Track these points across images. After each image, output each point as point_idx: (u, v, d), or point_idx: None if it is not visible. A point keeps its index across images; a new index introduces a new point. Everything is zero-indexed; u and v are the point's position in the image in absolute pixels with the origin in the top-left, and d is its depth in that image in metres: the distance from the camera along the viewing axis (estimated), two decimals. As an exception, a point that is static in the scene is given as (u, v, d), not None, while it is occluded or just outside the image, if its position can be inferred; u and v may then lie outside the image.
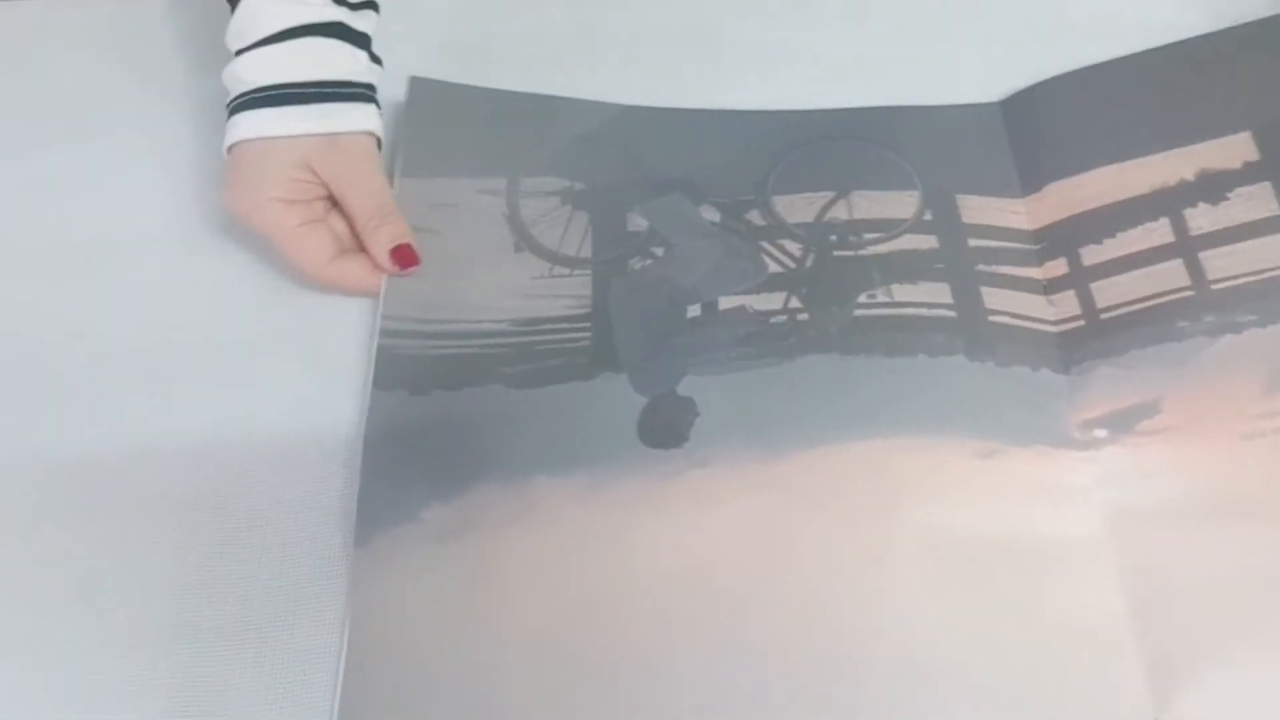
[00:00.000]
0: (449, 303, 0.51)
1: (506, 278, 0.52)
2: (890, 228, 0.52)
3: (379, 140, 0.53)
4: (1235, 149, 0.51)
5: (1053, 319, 0.49)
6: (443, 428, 0.48)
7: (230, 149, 0.50)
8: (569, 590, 0.43)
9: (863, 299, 0.50)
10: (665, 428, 0.47)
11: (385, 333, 0.50)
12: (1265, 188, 0.50)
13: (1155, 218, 0.50)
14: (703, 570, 0.43)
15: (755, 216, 0.53)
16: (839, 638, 0.41)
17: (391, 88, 0.56)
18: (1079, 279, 0.50)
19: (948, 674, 0.40)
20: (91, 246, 0.54)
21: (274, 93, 0.50)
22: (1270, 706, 0.39)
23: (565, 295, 0.51)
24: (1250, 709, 0.39)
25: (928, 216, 0.52)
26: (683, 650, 0.42)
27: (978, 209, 0.52)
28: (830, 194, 0.53)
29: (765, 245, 0.52)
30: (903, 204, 0.53)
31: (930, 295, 0.50)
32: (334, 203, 0.52)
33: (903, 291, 0.50)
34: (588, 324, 0.50)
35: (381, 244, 0.51)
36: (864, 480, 0.45)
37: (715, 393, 0.48)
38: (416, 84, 0.57)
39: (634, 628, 0.42)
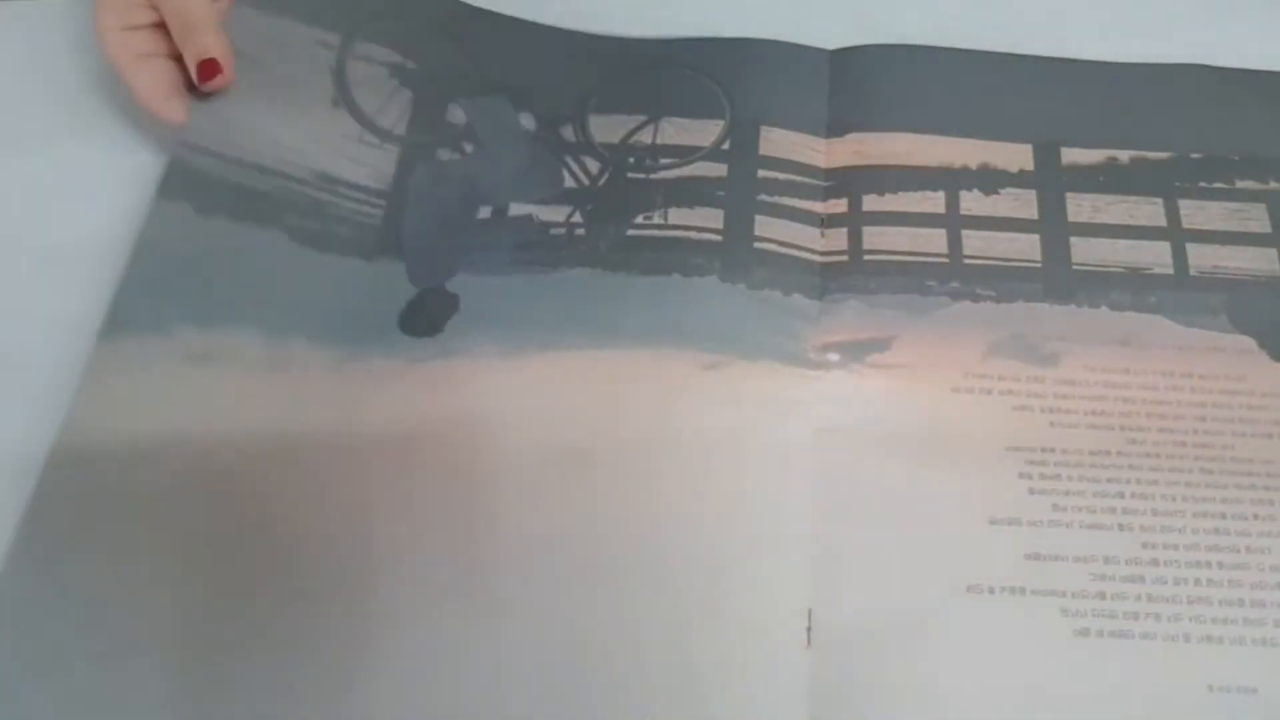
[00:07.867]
0: (256, 133, 0.52)
1: (318, 127, 0.54)
2: (686, 154, 0.56)
3: None
4: (1016, 155, 0.56)
5: (820, 250, 0.53)
6: (216, 256, 0.49)
7: None
8: (299, 448, 0.46)
9: (639, 220, 0.53)
10: (425, 319, 0.50)
11: (183, 144, 0.51)
12: (1030, 194, 0.55)
13: (935, 189, 0.55)
14: (423, 440, 0.46)
15: (568, 132, 0.56)
16: (540, 523, 0.45)
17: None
18: (855, 220, 0.54)
19: (629, 556, 0.44)
20: (91, 246, 0.53)
21: None
22: (895, 607, 0.44)
23: (369, 165, 0.54)
24: (881, 608, 0.44)
25: (726, 146, 0.56)
26: (395, 512, 0.45)
27: (778, 142, 0.56)
28: (641, 119, 0.57)
29: (569, 160, 0.55)
30: (705, 132, 0.56)
31: (703, 220, 0.53)
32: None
33: (678, 215, 0.53)
34: (383, 202, 0.53)
35: (191, 56, 0.50)
36: (585, 384, 0.48)
37: (479, 291, 0.51)
38: None
39: (359, 484, 0.45)
